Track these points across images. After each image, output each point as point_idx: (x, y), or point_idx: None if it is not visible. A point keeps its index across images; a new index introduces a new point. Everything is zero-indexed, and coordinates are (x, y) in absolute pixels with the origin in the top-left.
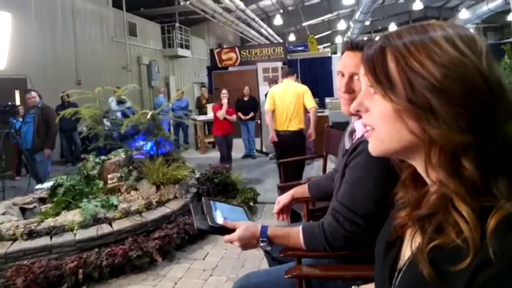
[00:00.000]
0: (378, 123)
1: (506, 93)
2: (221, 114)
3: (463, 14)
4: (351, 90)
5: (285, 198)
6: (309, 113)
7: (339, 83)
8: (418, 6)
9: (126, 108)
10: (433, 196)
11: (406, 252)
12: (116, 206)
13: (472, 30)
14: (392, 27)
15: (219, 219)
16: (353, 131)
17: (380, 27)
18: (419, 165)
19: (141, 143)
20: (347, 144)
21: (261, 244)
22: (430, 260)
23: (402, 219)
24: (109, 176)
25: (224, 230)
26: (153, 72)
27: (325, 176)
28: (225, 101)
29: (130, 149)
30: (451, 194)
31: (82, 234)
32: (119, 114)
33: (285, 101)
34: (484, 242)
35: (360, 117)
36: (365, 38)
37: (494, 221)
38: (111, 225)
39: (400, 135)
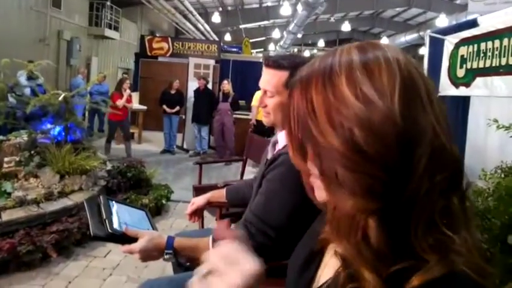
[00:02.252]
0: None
1: (424, 136)
2: (121, 103)
3: (384, 41)
4: (264, 105)
5: (199, 200)
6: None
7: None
8: (346, 27)
9: (36, 86)
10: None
11: (324, 273)
12: (9, 194)
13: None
14: (321, 43)
15: (119, 225)
16: (276, 142)
17: (310, 41)
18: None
19: (49, 126)
20: (269, 154)
21: (165, 256)
22: None
23: (326, 234)
24: (5, 159)
25: (124, 239)
26: (74, 50)
27: (244, 183)
28: (128, 91)
29: (35, 132)
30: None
31: None
32: (27, 91)
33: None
34: None
35: (283, 128)
36: (295, 50)
37: (416, 282)
38: None
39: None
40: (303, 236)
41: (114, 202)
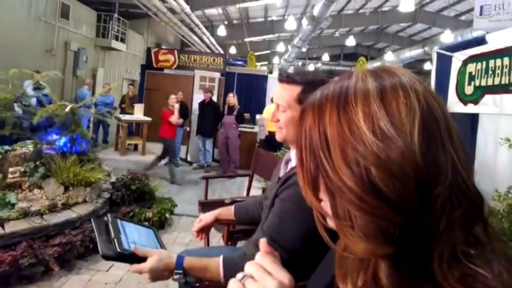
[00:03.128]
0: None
1: (444, 175)
2: (175, 119)
3: (389, 56)
4: (276, 120)
5: (207, 218)
6: None
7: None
8: (351, 42)
9: (42, 96)
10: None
11: None
12: (13, 205)
13: (406, 76)
14: (325, 57)
15: (127, 245)
16: (289, 160)
17: (314, 55)
18: None
19: (55, 137)
20: (281, 172)
21: (175, 277)
22: None
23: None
24: (10, 170)
25: (133, 258)
26: (81, 60)
27: (253, 201)
28: (176, 106)
29: (41, 142)
30: None
31: None
32: (33, 101)
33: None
34: None
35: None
36: (300, 63)
37: None
38: (2, 227)
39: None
40: (318, 257)
41: (122, 221)
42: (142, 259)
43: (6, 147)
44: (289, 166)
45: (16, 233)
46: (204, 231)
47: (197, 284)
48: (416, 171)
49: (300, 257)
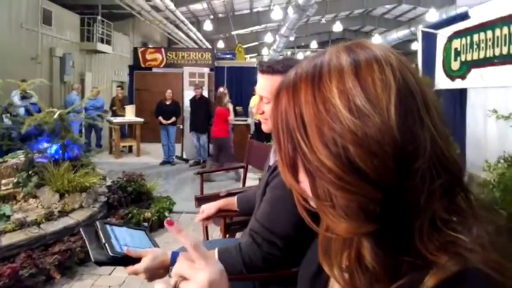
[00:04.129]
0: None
1: (423, 149)
2: (232, 118)
3: (376, 39)
4: (261, 112)
5: (210, 208)
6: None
7: None
8: (337, 28)
9: (30, 104)
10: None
11: (335, 286)
12: (9, 217)
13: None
14: (314, 44)
15: (120, 248)
16: None
17: (303, 44)
18: None
19: (45, 145)
20: (271, 161)
21: (171, 273)
22: None
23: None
24: (3, 182)
25: (128, 260)
26: (67, 66)
27: (254, 191)
28: (230, 105)
29: (32, 152)
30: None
31: None
32: (21, 111)
33: None
34: None
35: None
36: (288, 53)
37: (432, 282)
38: None
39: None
40: (311, 243)
41: (111, 226)
42: (137, 260)
43: None
44: None
45: (13, 245)
46: (207, 222)
47: None
48: (394, 147)
49: (296, 244)
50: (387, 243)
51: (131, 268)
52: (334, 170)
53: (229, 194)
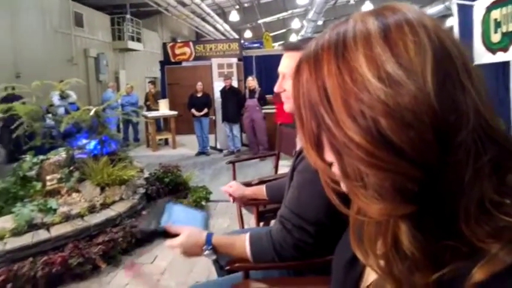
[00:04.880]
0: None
1: (466, 119)
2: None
3: None
4: (282, 90)
5: (236, 191)
6: None
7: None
8: (368, 7)
9: (68, 104)
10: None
11: (372, 274)
12: (55, 210)
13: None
14: None
15: (165, 223)
16: None
17: None
18: None
19: (84, 141)
20: (298, 146)
21: (205, 252)
22: None
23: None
24: (48, 178)
25: (167, 234)
26: (101, 65)
27: (284, 179)
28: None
29: (72, 148)
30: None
31: (14, 243)
32: (61, 110)
33: None
34: None
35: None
36: None
37: (481, 275)
38: (48, 231)
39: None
40: (345, 229)
41: (175, 205)
42: (176, 236)
43: (41, 157)
44: None
45: (61, 236)
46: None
47: (227, 267)
48: (432, 117)
49: (329, 230)
50: (427, 226)
51: (169, 242)
52: (363, 146)
53: (261, 182)
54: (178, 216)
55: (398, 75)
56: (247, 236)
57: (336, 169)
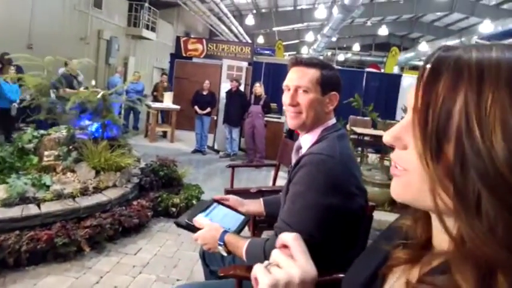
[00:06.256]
0: (414, 167)
1: None
2: None
3: (423, 46)
4: (295, 103)
5: (234, 203)
6: None
7: (284, 98)
8: (383, 31)
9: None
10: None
11: None
12: (48, 187)
13: None
14: (356, 47)
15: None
16: (299, 148)
17: (345, 45)
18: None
19: (87, 122)
20: (293, 160)
21: (219, 248)
22: None
23: (398, 260)
24: (45, 153)
25: (195, 229)
26: (113, 49)
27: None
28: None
29: (74, 128)
30: None
31: (3, 214)
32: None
33: None
34: None
35: (307, 131)
36: (329, 53)
37: None
38: (39, 207)
39: (427, 201)
40: (341, 248)
41: (219, 205)
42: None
43: (42, 132)
44: (300, 154)
45: (51, 214)
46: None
47: (221, 274)
48: None
49: (320, 245)
50: None
51: (194, 235)
52: (502, 169)
53: (260, 191)
54: (217, 215)
55: None
56: (247, 241)
57: (446, 181)
